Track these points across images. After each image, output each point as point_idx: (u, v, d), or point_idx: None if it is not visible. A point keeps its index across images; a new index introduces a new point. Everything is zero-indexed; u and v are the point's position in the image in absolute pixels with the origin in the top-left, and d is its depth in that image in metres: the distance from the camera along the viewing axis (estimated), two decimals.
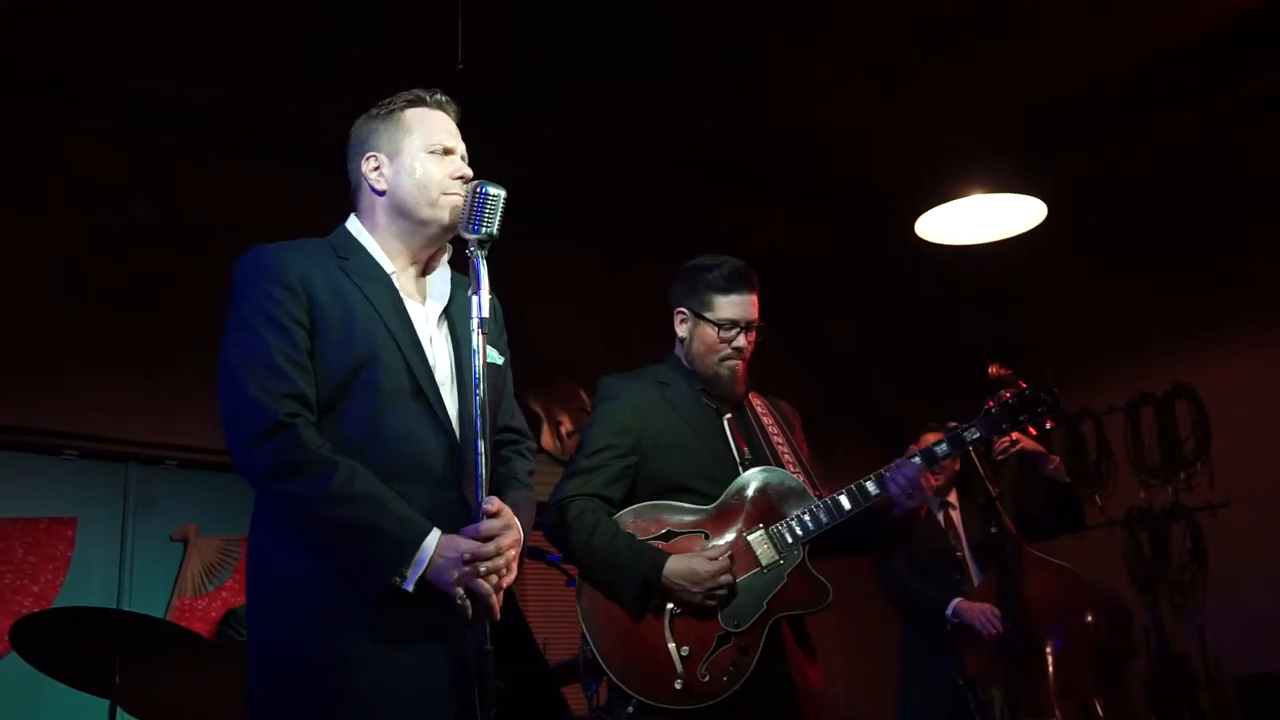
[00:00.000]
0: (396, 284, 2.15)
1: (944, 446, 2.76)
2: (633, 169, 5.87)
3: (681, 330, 2.89)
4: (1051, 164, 5.54)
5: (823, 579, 2.65)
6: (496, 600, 1.93)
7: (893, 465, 2.72)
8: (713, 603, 2.58)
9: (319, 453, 1.93)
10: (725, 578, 2.58)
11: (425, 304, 2.19)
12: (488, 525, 1.94)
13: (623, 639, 2.63)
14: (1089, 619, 3.54)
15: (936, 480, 4.19)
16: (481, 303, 2.00)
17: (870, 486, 2.70)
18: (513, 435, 2.33)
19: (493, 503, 1.97)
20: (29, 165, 4.79)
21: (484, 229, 2.06)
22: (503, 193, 2.07)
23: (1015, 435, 3.94)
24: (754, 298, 2.82)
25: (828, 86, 5.26)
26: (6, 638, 3.15)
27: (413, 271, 2.21)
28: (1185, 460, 6.03)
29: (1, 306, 4.60)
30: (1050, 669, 3.50)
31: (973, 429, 2.78)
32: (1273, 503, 5.59)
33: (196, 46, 4.68)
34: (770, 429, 2.89)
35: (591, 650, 2.66)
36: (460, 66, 4.08)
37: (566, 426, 6.15)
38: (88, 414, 4.71)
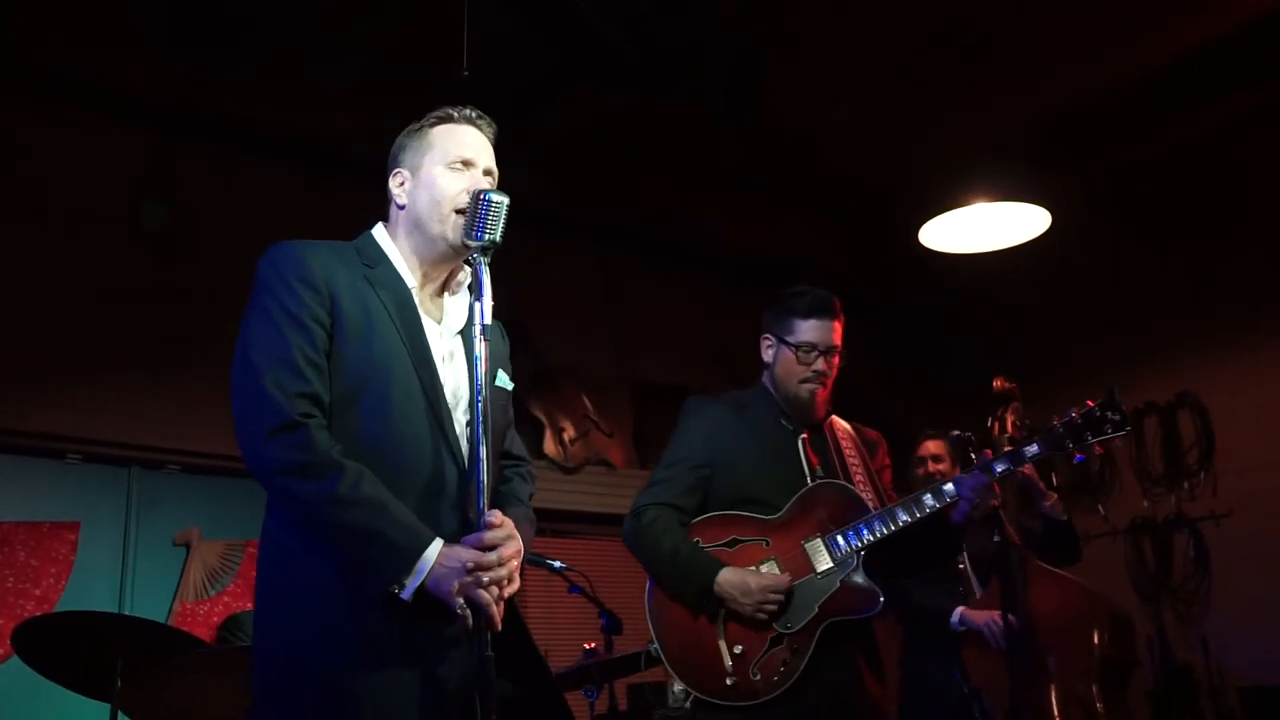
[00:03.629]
0: (416, 299, 2.14)
1: (1003, 462, 2.81)
2: (638, 174, 5.88)
3: (766, 355, 3.03)
4: (1056, 173, 5.53)
5: (874, 586, 2.75)
6: (497, 611, 1.92)
7: (955, 477, 2.85)
8: (762, 616, 2.71)
9: (328, 455, 1.92)
10: (774, 595, 2.70)
11: (441, 323, 2.18)
12: (490, 534, 1.94)
13: (683, 637, 2.81)
14: (1093, 630, 3.52)
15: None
16: (484, 309, 1.99)
17: (927, 499, 2.81)
18: (513, 460, 2.34)
19: (495, 515, 1.97)
20: (36, 170, 4.80)
21: (486, 236, 2.04)
22: (506, 199, 2.06)
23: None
24: (835, 324, 2.95)
25: (834, 94, 5.27)
26: (8, 641, 3.16)
27: (430, 289, 2.20)
28: (1189, 470, 6.01)
29: (7, 311, 4.61)
30: (1054, 679, 3.49)
31: (1033, 445, 2.82)
32: (1276, 513, 5.57)
33: (207, 53, 4.70)
34: (847, 451, 3.02)
35: (657, 647, 2.86)
36: (466, 73, 4.09)
37: (569, 433, 6.13)
38: (91, 418, 4.72)
